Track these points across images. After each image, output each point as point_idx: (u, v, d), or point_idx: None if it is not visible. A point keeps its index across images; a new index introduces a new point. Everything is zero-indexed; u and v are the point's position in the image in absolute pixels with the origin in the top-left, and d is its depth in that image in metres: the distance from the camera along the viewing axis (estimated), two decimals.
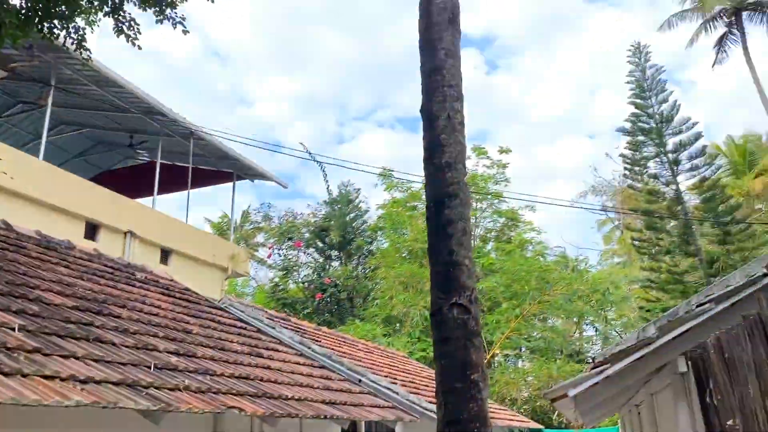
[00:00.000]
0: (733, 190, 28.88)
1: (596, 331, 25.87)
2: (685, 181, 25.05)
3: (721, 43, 30.44)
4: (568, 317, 24.63)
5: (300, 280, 25.37)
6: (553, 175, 61.22)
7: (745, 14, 29.80)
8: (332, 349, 10.56)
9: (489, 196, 23.46)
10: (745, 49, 29.39)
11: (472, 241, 24.82)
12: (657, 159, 25.44)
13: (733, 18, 29.91)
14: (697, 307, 4.44)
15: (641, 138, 25.75)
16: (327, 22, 63.39)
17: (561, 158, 60.64)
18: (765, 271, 4.44)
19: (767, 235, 26.61)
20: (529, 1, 62.01)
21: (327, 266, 25.48)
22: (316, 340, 10.61)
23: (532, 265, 20.65)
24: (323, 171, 26.06)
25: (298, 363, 8.37)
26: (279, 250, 25.48)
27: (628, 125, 26.26)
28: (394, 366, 13.16)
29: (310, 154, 23.44)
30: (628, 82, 26.40)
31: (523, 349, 23.21)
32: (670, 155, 25.01)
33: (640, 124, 25.71)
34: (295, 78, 64.65)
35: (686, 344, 4.45)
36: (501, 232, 25.68)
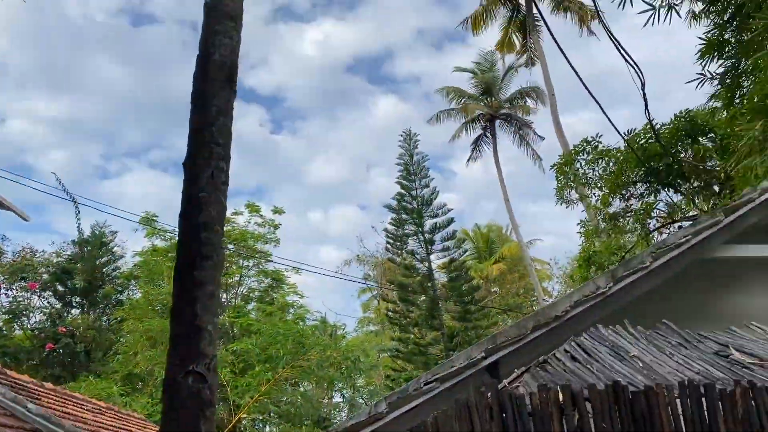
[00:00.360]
0: (475, 273, 32.38)
1: (344, 398, 26.56)
2: (436, 260, 27.46)
3: (477, 143, 34.64)
4: (319, 383, 24.98)
5: (29, 326, 22.31)
6: (324, 239, 63.05)
7: (498, 122, 34.46)
8: (53, 408, 9.33)
9: (256, 255, 23.26)
10: (495, 151, 33.82)
11: (235, 300, 24.38)
12: (415, 237, 27.58)
13: (488, 123, 34.38)
14: (425, 385, 4.79)
15: (404, 216, 27.81)
16: (107, 50, 59.34)
17: (333, 225, 62.87)
18: (483, 354, 4.96)
19: (499, 316, 30.10)
20: (319, 71, 64.74)
21: (65, 313, 22.81)
22: (35, 398, 9.29)
23: (291, 328, 20.70)
24: (76, 207, 23.66)
25: (5, 425, 7.22)
26: (8, 290, 22.23)
27: (394, 203, 28.24)
28: (127, 429, 12.02)
29: (63, 187, 21.20)
30: (397, 164, 28.59)
31: (272, 414, 22.86)
32: (426, 235, 27.30)
33: (404, 203, 27.80)
34: (59, 101, 58.72)
35: (413, 421, 4.73)
36: (265, 292, 25.48)
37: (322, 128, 65.40)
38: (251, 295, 25.32)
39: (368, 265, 39.17)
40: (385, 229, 28.73)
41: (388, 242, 28.55)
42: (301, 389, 24.18)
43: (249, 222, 24.10)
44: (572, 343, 4.28)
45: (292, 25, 66.29)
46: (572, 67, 6.68)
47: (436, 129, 40.31)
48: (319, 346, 20.55)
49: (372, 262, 38.65)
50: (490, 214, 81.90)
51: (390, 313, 27.46)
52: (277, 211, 24.96)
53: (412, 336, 25.76)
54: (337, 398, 28.25)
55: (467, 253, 32.85)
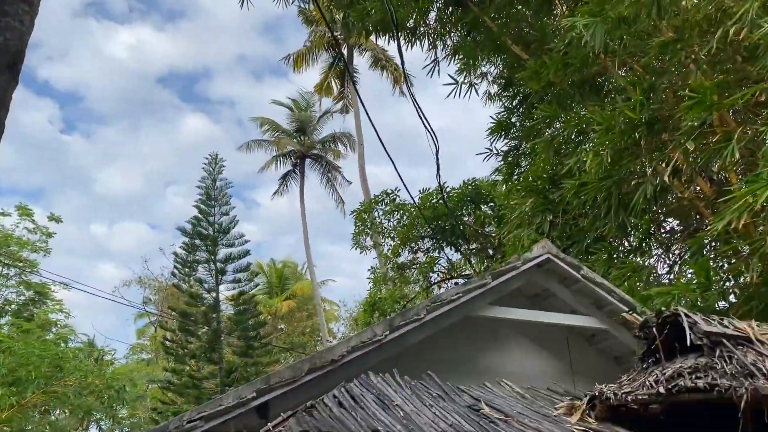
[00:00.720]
0: (263, 308, 31.95)
1: (101, 430, 24.26)
2: (225, 291, 26.60)
3: (285, 178, 34.78)
4: (74, 412, 22.56)
5: None
6: (104, 255, 58.06)
7: (308, 161, 34.97)
8: None
9: (19, 264, 20.67)
10: (302, 189, 34.19)
11: None
12: (206, 265, 26.52)
13: (298, 160, 34.74)
14: (188, 423, 4.53)
15: (198, 242, 26.66)
16: None
17: (117, 240, 58.23)
18: (254, 395, 4.84)
19: (282, 353, 29.89)
20: (127, 77, 60.76)
21: None
22: None
23: (49, 349, 18.52)
24: None
25: None
26: None
27: (188, 226, 26.99)
28: None
29: None
30: (198, 187, 27.52)
31: None
32: (218, 264, 26.40)
33: (199, 228, 26.70)
34: None
35: None
36: (24, 306, 22.61)
37: (121, 136, 61.09)
38: (7, 308, 22.33)
39: (150, 288, 36.74)
40: (175, 253, 27.28)
41: (175, 267, 27.09)
42: (52, 417, 21.63)
43: (17, 226, 21.45)
44: (342, 389, 4.36)
45: (104, 24, 61.73)
46: (372, 123, 7.04)
47: (246, 157, 39.78)
48: (80, 372, 18.63)
49: (155, 286, 36.35)
50: (288, 250, 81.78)
51: (167, 342, 25.89)
52: (53, 218, 22.54)
53: (188, 368, 24.48)
54: (94, 430, 25.68)
55: (259, 287, 32.35)
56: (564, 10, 10.58)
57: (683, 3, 7.65)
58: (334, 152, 35.44)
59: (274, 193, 35.04)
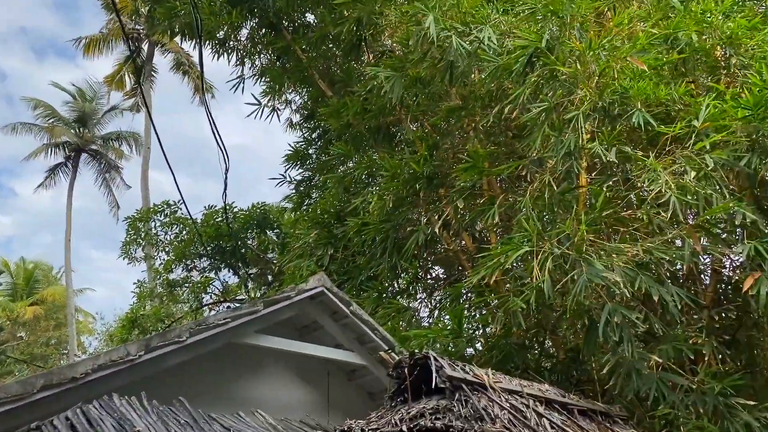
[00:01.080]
0: (2, 312, 28.10)
1: None
2: None
3: (54, 170, 31.33)
4: None
5: None
6: None
7: (84, 156, 31.91)
8: None
9: None
10: (72, 185, 31.01)
11: None
12: None
13: (73, 154, 31.54)
14: None
15: None
16: None
17: None
18: None
19: (17, 365, 26.41)
20: None
21: None
22: None
23: None
24: None
25: None
26: None
27: None
28: None
29: None
30: None
31: None
32: None
33: None
34: None
35: None
36: None
37: None
38: None
39: None
40: None
41: None
42: None
43: None
44: (77, 411, 3.94)
45: None
46: (154, 127, 6.68)
47: (10, 140, 35.36)
48: None
49: None
50: (44, 249, 73.17)
51: None
52: None
53: None
54: None
55: (1, 287, 28.42)
56: (370, 58, 11.09)
57: (472, 76, 8.47)
58: (116, 151, 32.87)
59: (39, 186, 31.47)
